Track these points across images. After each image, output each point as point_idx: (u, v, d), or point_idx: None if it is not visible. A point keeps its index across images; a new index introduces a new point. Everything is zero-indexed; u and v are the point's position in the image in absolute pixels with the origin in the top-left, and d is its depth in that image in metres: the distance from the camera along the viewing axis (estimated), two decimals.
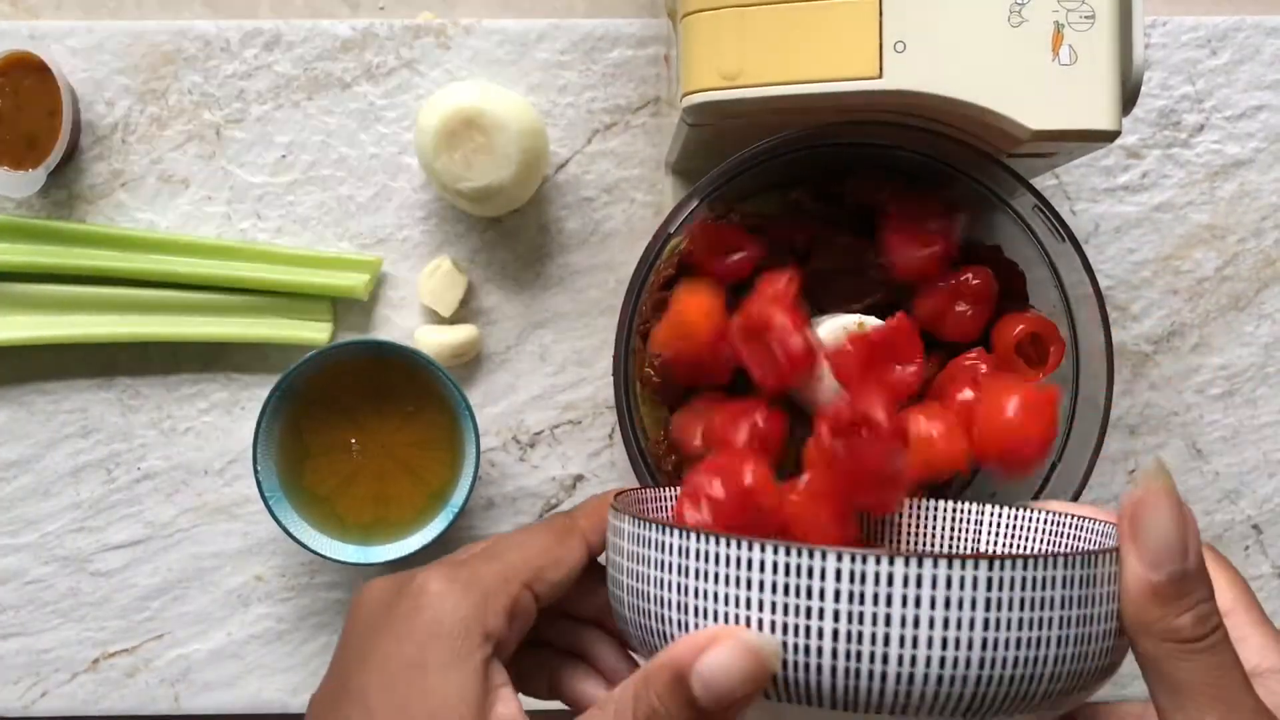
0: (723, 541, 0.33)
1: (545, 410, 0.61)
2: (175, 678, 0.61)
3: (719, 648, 0.31)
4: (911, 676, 0.31)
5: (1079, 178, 0.61)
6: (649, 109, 0.61)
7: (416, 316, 0.61)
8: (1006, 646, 0.31)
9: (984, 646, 0.31)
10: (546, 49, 0.61)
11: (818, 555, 0.31)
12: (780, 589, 0.32)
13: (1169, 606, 0.32)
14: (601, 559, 0.41)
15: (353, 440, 0.57)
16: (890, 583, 0.31)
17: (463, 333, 0.59)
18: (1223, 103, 0.62)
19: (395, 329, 0.61)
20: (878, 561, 0.31)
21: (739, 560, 0.32)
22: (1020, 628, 0.31)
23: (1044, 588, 0.31)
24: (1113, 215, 0.62)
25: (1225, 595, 0.38)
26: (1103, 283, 0.57)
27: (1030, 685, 0.31)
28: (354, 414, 0.57)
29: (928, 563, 0.31)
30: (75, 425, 0.61)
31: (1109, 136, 0.45)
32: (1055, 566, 0.32)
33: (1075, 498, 0.49)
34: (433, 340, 0.59)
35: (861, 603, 0.31)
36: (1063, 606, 0.32)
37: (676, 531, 0.34)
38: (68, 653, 0.61)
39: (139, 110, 0.60)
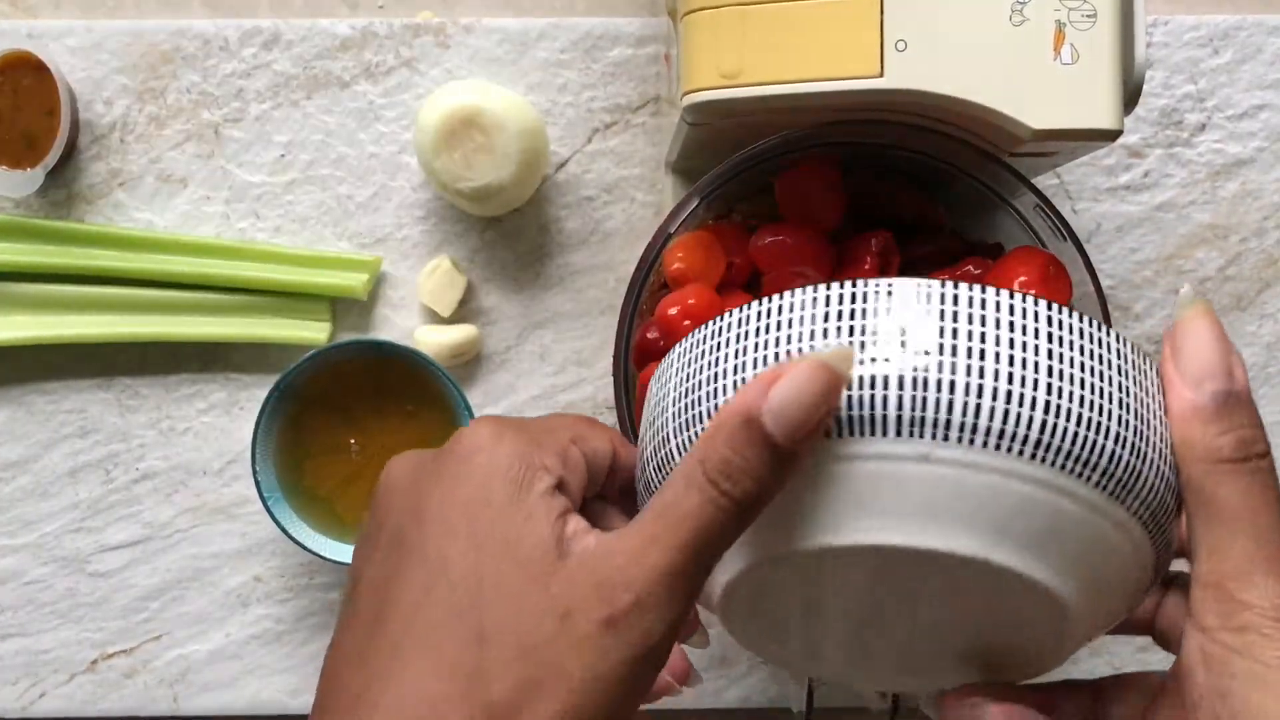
0: (781, 296, 0.33)
1: (545, 410, 0.61)
2: (174, 678, 0.61)
3: (788, 375, 0.30)
4: (980, 390, 0.30)
5: (1080, 177, 0.61)
6: (649, 109, 0.61)
7: (416, 316, 0.61)
8: (1072, 383, 0.31)
9: (1050, 374, 0.31)
10: (546, 48, 0.60)
11: (884, 284, 0.32)
12: (846, 316, 0.32)
13: (1210, 425, 0.31)
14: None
15: (352, 440, 0.57)
16: (956, 302, 0.31)
17: (462, 332, 0.59)
18: (1224, 102, 0.61)
19: (395, 329, 0.61)
20: (943, 285, 0.32)
21: (800, 304, 0.32)
22: (1083, 371, 0.31)
23: (1104, 349, 0.32)
24: (1114, 214, 0.62)
25: None
26: (1104, 282, 0.57)
27: (1096, 437, 0.31)
28: (353, 414, 0.57)
29: (990, 290, 0.31)
30: (74, 425, 0.60)
31: (1111, 136, 0.45)
32: (1113, 337, 0.32)
33: None
34: (432, 340, 0.59)
35: (926, 319, 0.31)
36: (1121, 376, 0.32)
37: (731, 311, 0.34)
38: (66, 653, 0.61)
39: (137, 109, 0.60)
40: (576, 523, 0.32)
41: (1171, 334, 0.32)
